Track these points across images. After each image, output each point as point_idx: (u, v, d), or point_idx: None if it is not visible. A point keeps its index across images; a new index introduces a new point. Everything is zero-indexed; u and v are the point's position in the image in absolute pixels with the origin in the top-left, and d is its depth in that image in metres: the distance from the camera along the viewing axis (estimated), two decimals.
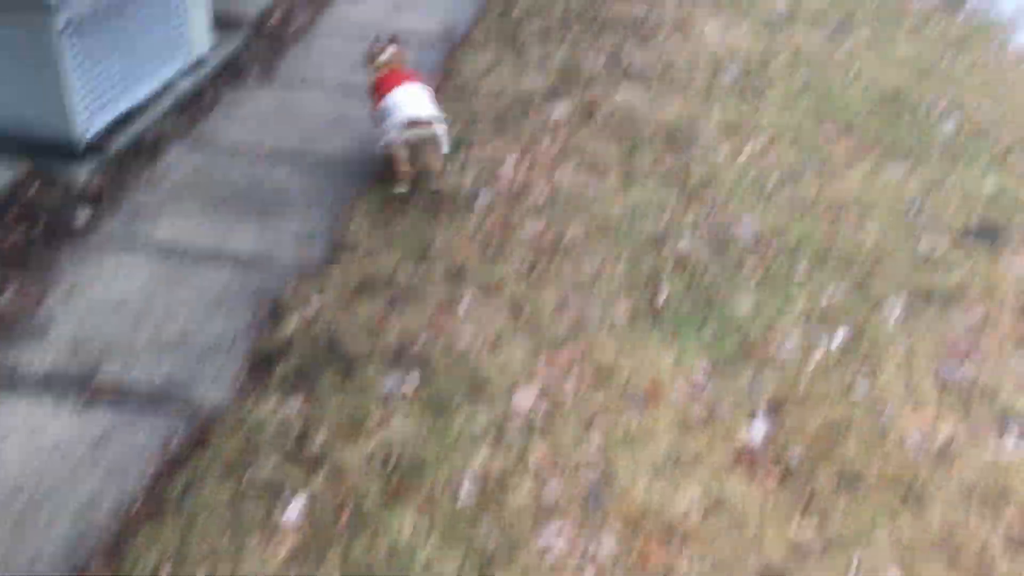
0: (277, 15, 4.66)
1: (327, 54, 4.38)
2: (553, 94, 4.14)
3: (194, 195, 3.29)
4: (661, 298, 2.94)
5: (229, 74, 4.08)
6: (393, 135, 3.30)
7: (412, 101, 3.34)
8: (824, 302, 2.95)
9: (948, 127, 4.02)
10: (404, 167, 3.35)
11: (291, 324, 2.71)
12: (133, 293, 2.81)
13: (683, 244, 3.19)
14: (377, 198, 3.35)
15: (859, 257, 3.17)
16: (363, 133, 3.75)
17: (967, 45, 4.86)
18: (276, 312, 2.76)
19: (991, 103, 4.22)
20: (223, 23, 4.32)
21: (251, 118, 3.80)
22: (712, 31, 4.86)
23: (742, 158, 3.73)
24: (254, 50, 4.32)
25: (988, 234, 3.33)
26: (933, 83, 4.41)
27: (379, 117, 3.40)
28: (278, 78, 4.15)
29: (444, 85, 4.18)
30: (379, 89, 3.50)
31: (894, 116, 4.09)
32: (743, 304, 2.93)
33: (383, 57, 3.54)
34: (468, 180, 3.48)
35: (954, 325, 2.90)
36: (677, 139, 3.84)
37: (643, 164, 3.65)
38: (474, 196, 3.38)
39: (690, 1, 5.23)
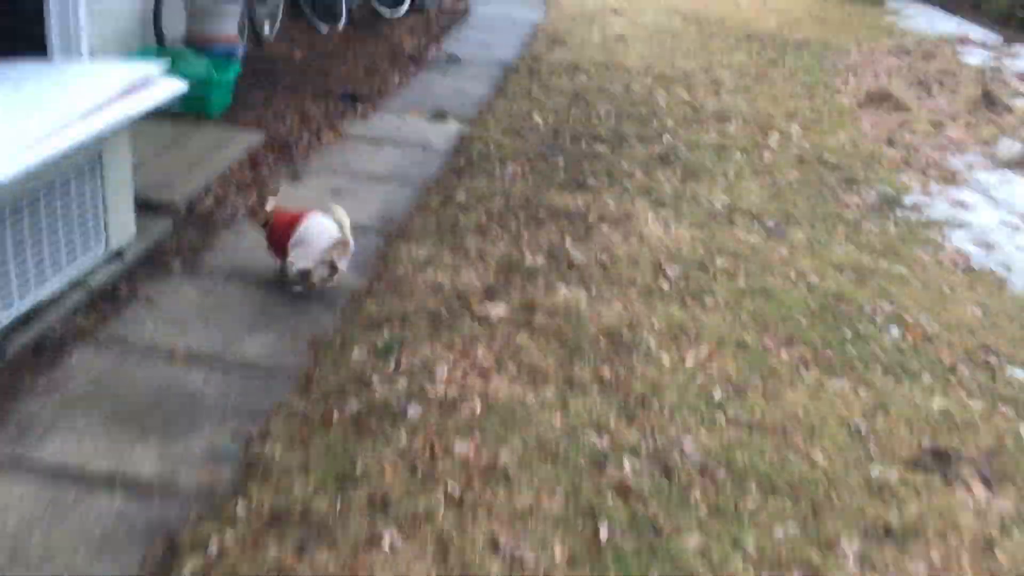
0: (209, 199, 4.51)
1: (259, 242, 4.21)
2: (491, 292, 4.01)
3: (95, 405, 3.01)
4: (603, 535, 2.70)
5: (150, 265, 3.87)
6: (316, 259, 3.73)
7: (328, 225, 3.78)
8: (776, 541, 2.74)
9: (890, 339, 3.96)
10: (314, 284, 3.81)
11: (186, 570, 2.40)
12: (7, 527, 2.49)
13: (626, 469, 2.98)
14: (299, 410, 3.11)
15: (810, 487, 2.99)
16: (288, 330, 3.55)
17: (904, 249, 4.91)
18: (170, 554, 2.45)
19: (932, 313, 4.19)
20: (149, 208, 4.15)
21: (169, 315, 3.57)
22: (652, 228, 4.84)
23: (685, 368, 3.60)
24: (181, 238, 4.14)
25: (940, 462, 3.19)
26: (873, 289, 4.39)
27: (296, 246, 3.75)
28: (204, 269, 3.96)
29: (380, 279, 4.03)
30: (281, 232, 3.82)
31: (836, 325, 4.03)
32: (690, 543, 2.70)
33: (268, 208, 3.85)
34: (398, 391, 3.26)
35: (914, 570, 2.70)
36: (618, 345, 3.71)
37: (583, 374, 3.49)
38: (403, 410, 3.15)
39: (630, 196, 5.24)
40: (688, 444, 3.14)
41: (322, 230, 3.78)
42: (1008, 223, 5.41)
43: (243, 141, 5.20)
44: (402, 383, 3.31)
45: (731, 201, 5.35)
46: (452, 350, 3.55)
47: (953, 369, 3.77)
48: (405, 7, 9.11)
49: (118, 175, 3.67)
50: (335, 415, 3.09)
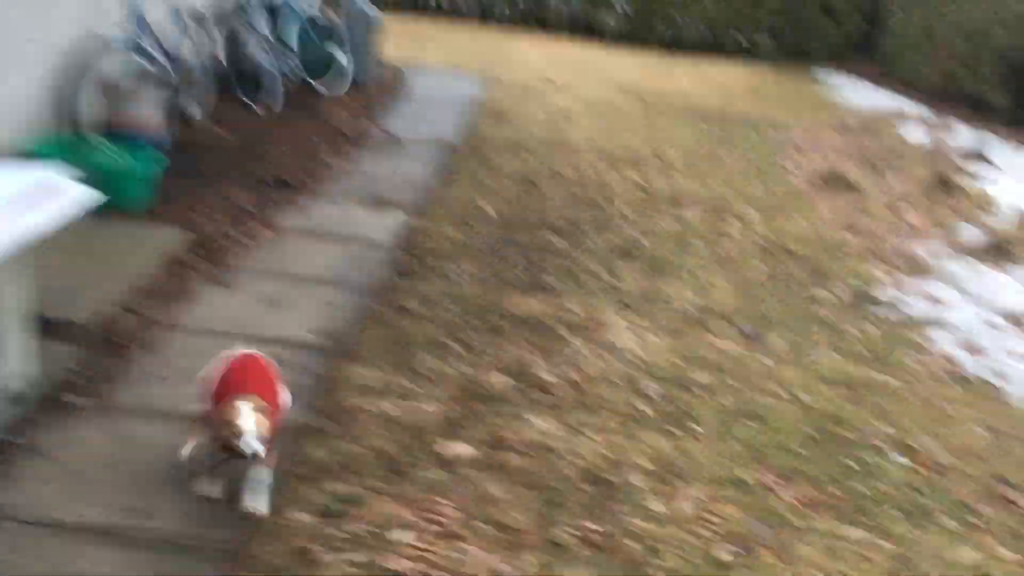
0: (126, 317, 3.93)
1: (182, 366, 3.65)
2: (453, 427, 3.51)
3: None
4: None
5: (52, 408, 3.27)
6: None
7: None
8: None
9: (898, 471, 3.58)
10: None
11: None
12: None
13: None
14: None
15: None
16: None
17: (890, 356, 4.57)
18: None
19: (936, 437, 3.83)
20: (53, 332, 3.56)
21: (72, 474, 2.97)
22: (623, 337, 4.41)
23: (682, 519, 3.13)
24: (90, 368, 3.54)
25: None
26: (868, 408, 4.02)
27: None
28: (117, 407, 3.36)
29: (325, 413, 3.49)
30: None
31: (837, 454, 3.63)
32: None
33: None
34: (351, 572, 2.72)
35: None
36: (603, 491, 3.23)
37: (567, 533, 2.99)
38: None
39: (595, 298, 4.82)
40: None
41: None
42: (989, 322, 5.15)
43: (165, 242, 4.64)
44: (357, 558, 2.76)
45: (702, 302, 4.97)
46: (413, 507, 3.02)
47: (972, 508, 3.39)
48: (347, 85, 8.62)
49: (12, 305, 3.09)
50: None
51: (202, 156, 6.05)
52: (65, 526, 2.74)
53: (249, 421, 2.72)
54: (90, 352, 3.64)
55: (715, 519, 3.16)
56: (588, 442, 3.52)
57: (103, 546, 2.69)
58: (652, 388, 3.97)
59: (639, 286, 5.07)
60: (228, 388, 2.88)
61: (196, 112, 6.62)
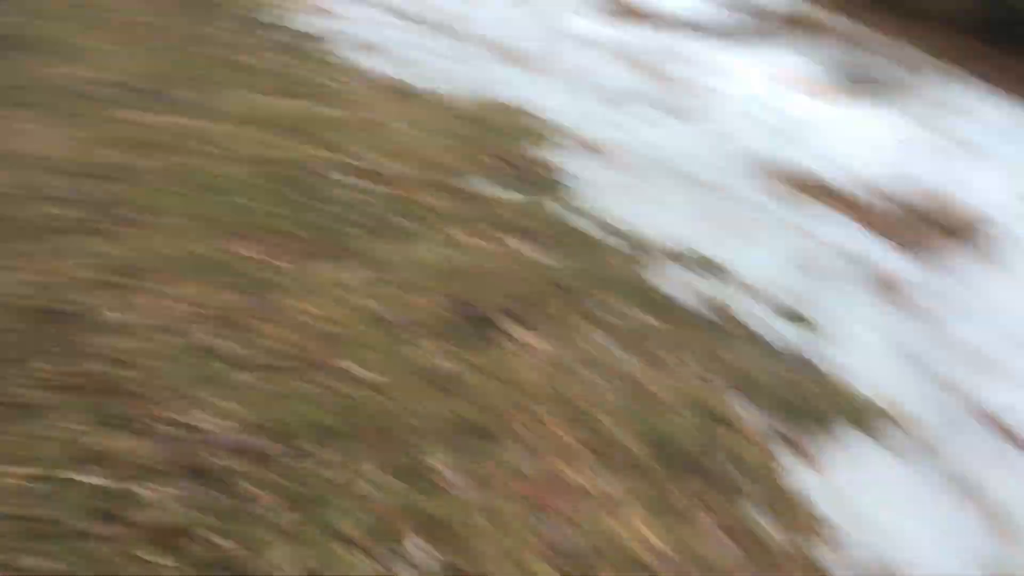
0: None
1: None
2: None
3: None
4: None
5: None
6: None
7: None
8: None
9: (357, 194, 3.55)
10: None
11: None
12: None
13: (155, 514, 2.18)
14: None
15: (379, 410, 2.54)
16: None
17: (307, 80, 4.42)
18: None
19: (374, 149, 3.85)
20: None
21: None
22: (17, 140, 3.62)
23: (160, 324, 2.76)
24: None
25: (471, 320, 2.96)
26: (304, 139, 3.86)
27: None
28: None
29: None
30: None
31: (297, 199, 3.47)
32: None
33: None
34: None
35: (513, 458, 2.48)
36: (54, 328, 2.69)
37: (22, 387, 2.46)
38: None
39: None
40: (209, 423, 2.43)
41: None
42: (388, 23, 5.24)
43: None
44: None
45: (96, 75, 4.24)
46: None
47: (431, 208, 3.51)
48: None
49: None
50: None
51: None
52: None
53: None
54: None
55: (199, 309, 2.85)
56: (12, 275, 2.87)
57: None
58: (74, 189, 3.36)
59: (15, 78, 4.16)
60: None
61: None
